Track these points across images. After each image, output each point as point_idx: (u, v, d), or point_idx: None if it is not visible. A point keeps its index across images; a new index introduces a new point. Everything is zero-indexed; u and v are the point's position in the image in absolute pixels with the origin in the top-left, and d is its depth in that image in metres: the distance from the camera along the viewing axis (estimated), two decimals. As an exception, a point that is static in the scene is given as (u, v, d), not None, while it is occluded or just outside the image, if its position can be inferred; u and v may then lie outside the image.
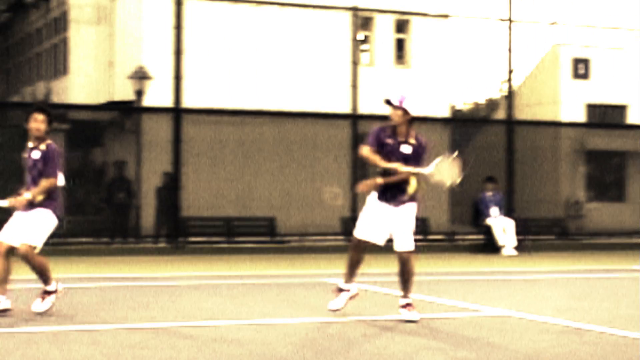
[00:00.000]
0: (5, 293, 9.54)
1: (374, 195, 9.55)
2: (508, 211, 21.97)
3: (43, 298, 9.74)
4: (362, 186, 9.63)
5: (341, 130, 21.68)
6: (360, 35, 27.46)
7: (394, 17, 29.41)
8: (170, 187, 20.63)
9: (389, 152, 9.45)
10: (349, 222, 21.36)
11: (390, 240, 9.67)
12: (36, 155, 9.66)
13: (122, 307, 10.53)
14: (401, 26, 30.26)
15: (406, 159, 9.42)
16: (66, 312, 9.72)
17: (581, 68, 32.23)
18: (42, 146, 9.69)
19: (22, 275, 10.51)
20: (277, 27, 27.60)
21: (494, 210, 21.50)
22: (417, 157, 9.45)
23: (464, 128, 27.68)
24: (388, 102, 9.48)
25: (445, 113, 29.81)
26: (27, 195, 9.53)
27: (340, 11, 23.49)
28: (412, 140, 9.48)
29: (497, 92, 50.40)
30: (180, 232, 20.50)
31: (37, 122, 9.71)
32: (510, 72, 23.31)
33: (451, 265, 17.55)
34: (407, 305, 9.56)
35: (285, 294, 12.32)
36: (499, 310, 10.44)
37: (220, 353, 7.63)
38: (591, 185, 28.93)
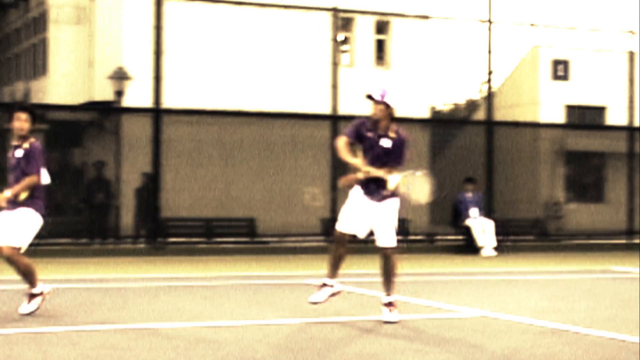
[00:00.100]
0: None
1: (356, 189, 9.56)
2: (487, 212, 22.02)
3: (29, 300, 9.70)
4: (343, 181, 9.63)
5: (321, 130, 21.68)
6: (341, 36, 27.47)
7: (374, 18, 29.47)
8: (150, 188, 20.58)
9: (369, 145, 9.47)
10: (329, 223, 21.37)
11: (372, 235, 9.68)
12: (19, 154, 9.63)
13: (101, 308, 10.49)
14: (381, 27, 30.31)
15: (386, 153, 9.43)
16: (45, 314, 9.68)
17: (560, 69, 32.34)
18: (26, 145, 9.66)
19: (7, 276, 10.47)
20: (257, 28, 27.59)
21: (474, 211, 21.55)
22: (397, 151, 9.45)
23: (444, 129, 27.69)
24: (370, 97, 9.49)
25: (425, 114, 29.88)
26: (7, 193, 9.48)
27: (321, 12, 23.47)
28: (392, 134, 9.48)
29: (477, 93, 50.58)
30: (160, 232, 20.45)
31: (21, 121, 9.68)
32: (490, 73, 23.37)
33: (431, 266, 17.58)
34: (389, 304, 9.56)
35: (265, 295, 12.31)
36: (478, 311, 10.46)
37: (199, 354, 7.61)
38: (570, 186, 29.03)
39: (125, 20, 27.47)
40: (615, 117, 30.31)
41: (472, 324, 9.53)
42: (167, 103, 20.55)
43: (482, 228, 21.21)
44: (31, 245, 9.80)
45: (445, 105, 53.04)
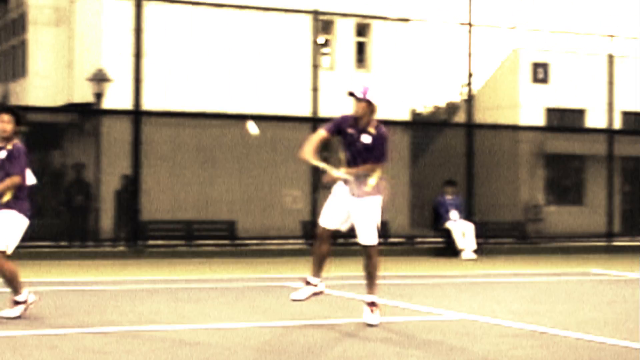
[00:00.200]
0: None
1: (339, 184, 9.58)
2: (467, 215, 22.05)
3: (12, 307, 9.63)
4: (327, 177, 9.63)
5: (302, 133, 21.62)
6: (321, 39, 27.48)
7: (354, 21, 29.50)
8: (130, 190, 20.52)
9: (349, 141, 9.51)
10: (310, 226, 21.37)
11: (352, 236, 9.70)
12: (2, 155, 9.59)
13: (81, 311, 10.45)
14: (362, 30, 30.35)
15: (367, 149, 9.47)
16: (24, 317, 9.63)
17: (540, 72, 32.44)
18: (9, 146, 9.63)
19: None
20: (237, 30, 27.57)
21: (454, 214, 21.58)
22: (377, 147, 9.48)
23: (424, 131, 27.73)
24: (351, 94, 9.51)
25: (406, 116, 29.92)
26: None
27: (301, 14, 23.46)
28: (373, 130, 9.50)
29: (457, 95, 50.66)
30: (140, 235, 20.39)
31: (3, 123, 9.65)
32: (470, 75, 23.41)
33: (411, 269, 17.59)
34: (372, 304, 9.58)
35: (245, 297, 12.30)
36: (457, 314, 10.47)
37: (179, 357, 7.59)
38: (550, 189, 29.12)
39: (105, 22, 27.39)
40: (595, 119, 30.44)
41: (451, 327, 9.54)
42: (147, 105, 20.50)
43: (462, 231, 21.25)
44: (10, 248, 9.74)
45: (425, 108, 53.10)
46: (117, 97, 23.46)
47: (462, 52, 23.49)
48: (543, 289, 14.04)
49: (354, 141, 9.50)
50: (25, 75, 31.47)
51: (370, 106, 9.48)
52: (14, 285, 9.59)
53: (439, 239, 21.99)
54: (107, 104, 24.91)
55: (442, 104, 53.65)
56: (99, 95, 25.30)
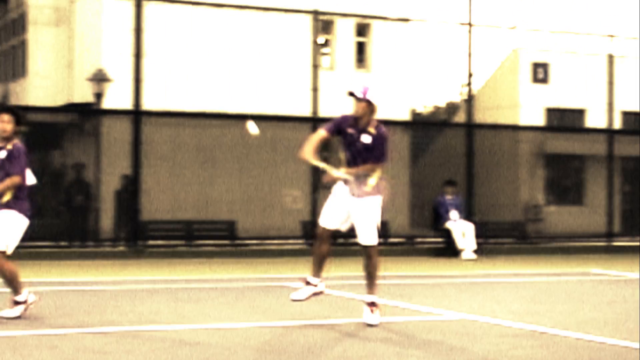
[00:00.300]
0: None
1: (339, 184, 9.58)
2: (468, 215, 22.05)
3: (13, 307, 9.63)
4: (327, 177, 9.63)
5: (302, 133, 21.61)
6: (321, 39, 27.48)
7: (354, 21, 29.50)
8: (130, 190, 20.52)
9: (349, 141, 9.52)
10: (310, 226, 21.36)
11: (352, 236, 9.71)
12: (2, 155, 9.59)
13: (81, 311, 10.45)
14: (362, 30, 30.35)
15: (367, 149, 9.47)
16: (23, 317, 9.63)
17: (540, 72, 32.44)
18: (9, 146, 9.63)
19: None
20: (237, 30, 27.57)
21: (454, 214, 21.58)
22: (377, 147, 9.48)
23: (424, 131, 27.72)
24: (351, 94, 9.51)
25: (406, 116, 29.92)
26: None
27: (301, 14, 23.46)
28: (372, 130, 9.50)
29: (457, 95, 50.65)
30: (140, 235, 20.39)
31: (4, 123, 9.65)
32: (470, 75, 23.41)
33: (411, 269, 17.59)
34: (372, 304, 9.59)
35: (245, 297, 12.30)
36: (457, 314, 10.47)
37: (179, 357, 7.59)
38: (550, 189, 29.11)
39: (105, 22, 27.39)
40: (595, 119, 30.44)
41: (451, 327, 9.54)
42: (147, 105, 20.50)
43: (462, 231, 21.24)
44: (10, 248, 9.74)
45: (425, 108, 53.10)
46: (117, 97, 23.45)
47: (462, 52, 23.49)
48: (543, 289, 14.04)
49: (354, 141, 9.51)
50: (25, 75, 31.47)
51: (370, 106, 9.49)
52: (14, 285, 9.58)
53: (439, 239, 21.99)
54: (107, 104, 24.91)
55: (442, 104, 53.65)
56: (99, 95, 25.30)
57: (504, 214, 24.59)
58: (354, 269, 14.42)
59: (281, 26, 27.06)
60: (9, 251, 9.53)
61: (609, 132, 25.00)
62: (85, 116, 24.91)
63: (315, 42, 22.61)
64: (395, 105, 27.73)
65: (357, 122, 9.52)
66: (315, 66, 22.17)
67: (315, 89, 21.90)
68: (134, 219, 20.25)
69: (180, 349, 8.00)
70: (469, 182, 22.76)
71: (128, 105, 20.53)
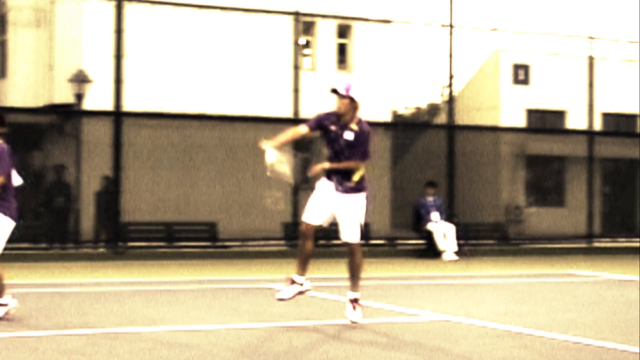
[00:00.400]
0: None
1: (323, 180, 9.57)
2: (449, 216, 22.07)
3: None
4: (312, 170, 9.61)
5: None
6: (302, 40, 27.46)
7: (336, 22, 29.47)
8: (110, 192, 20.46)
9: (332, 138, 9.51)
10: (291, 227, 21.35)
11: (334, 237, 9.72)
12: None
13: (61, 313, 10.41)
14: (343, 31, 30.33)
15: (350, 146, 9.46)
16: (4, 319, 9.58)
17: (521, 74, 32.51)
18: None
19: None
20: (219, 31, 27.51)
21: (435, 215, 21.60)
22: (360, 144, 9.48)
23: (406, 132, 27.73)
24: (334, 91, 9.50)
25: (387, 117, 29.92)
26: None
27: (282, 16, 23.44)
28: (355, 127, 9.49)
29: (439, 97, 50.67)
30: (120, 237, 20.33)
31: None
32: (452, 77, 23.44)
33: (392, 270, 17.60)
34: (355, 300, 9.59)
35: (226, 299, 12.28)
36: (439, 315, 10.48)
37: (159, 358, 7.57)
38: (531, 190, 29.18)
39: (85, 23, 27.27)
40: (575, 121, 30.52)
41: (433, 328, 9.55)
42: (127, 106, 20.44)
43: (443, 232, 21.26)
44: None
45: (407, 109, 53.11)
46: (98, 98, 23.35)
47: (443, 53, 23.52)
48: (524, 290, 14.07)
49: (336, 138, 9.49)
50: (5, 76, 31.31)
51: (353, 103, 9.47)
52: None
53: (420, 241, 22.00)
54: (87, 105, 24.80)
55: (424, 106, 53.68)
56: (79, 96, 25.19)
57: (485, 216, 24.64)
58: (335, 271, 14.42)
59: (262, 27, 27.01)
60: None
61: (589, 134, 25.08)
62: (65, 117, 24.81)
63: (296, 43, 22.60)
64: (376, 107, 27.71)
65: (339, 119, 9.51)
66: (297, 67, 22.17)
67: (296, 90, 21.89)
68: (115, 221, 20.19)
69: (160, 350, 7.97)
70: (450, 184, 22.79)
71: (109, 106, 20.46)
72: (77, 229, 21.25)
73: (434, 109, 49.40)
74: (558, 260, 20.69)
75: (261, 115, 22.93)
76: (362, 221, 9.61)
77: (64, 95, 27.14)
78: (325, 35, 29.86)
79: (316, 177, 9.77)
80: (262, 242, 21.77)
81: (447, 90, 24.25)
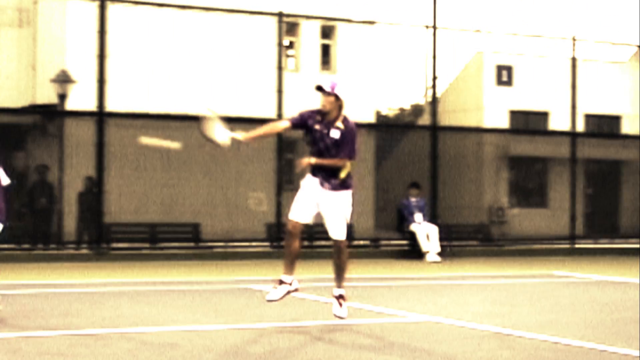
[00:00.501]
0: None
1: (308, 177, 9.54)
2: (432, 217, 22.10)
3: None
4: (299, 163, 9.57)
5: (266, 135, 21.63)
6: (286, 41, 27.45)
7: (319, 23, 29.48)
8: (93, 192, 20.41)
9: (318, 137, 9.47)
10: (274, 228, 21.35)
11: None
12: None
13: (44, 314, 10.38)
14: (327, 32, 30.34)
15: (336, 144, 9.44)
16: (-15, 320, 9.56)
17: (504, 75, 32.59)
18: None
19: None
20: (202, 32, 27.48)
21: (418, 216, 21.62)
22: (347, 142, 9.45)
23: (389, 133, 27.77)
24: (319, 88, 9.47)
25: (371, 118, 29.94)
26: None
27: (266, 16, 23.42)
28: (341, 125, 9.48)
29: (422, 98, 50.70)
30: (103, 238, 20.29)
31: None
32: (435, 78, 23.47)
33: (375, 271, 17.61)
34: (340, 297, 9.60)
35: (209, 300, 12.26)
36: (422, 316, 10.49)
37: (142, 359, 7.57)
38: (514, 191, 29.25)
39: (68, 24, 27.20)
40: (558, 122, 30.62)
41: (416, 329, 9.56)
42: (110, 106, 20.40)
43: (426, 233, 21.28)
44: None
45: (390, 110, 53.15)
46: (81, 99, 23.29)
47: (427, 54, 23.55)
48: (507, 291, 14.10)
49: (322, 137, 9.45)
50: (-12, 77, 31.20)
51: (338, 100, 9.46)
52: None
53: (404, 242, 22.02)
54: (70, 105, 24.74)
55: (407, 106, 53.73)
56: (62, 97, 25.11)
57: (468, 217, 24.68)
58: (319, 272, 14.43)
59: (246, 28, 27.00)
60: None
61: (572, 135, 25.15)
62: (48, 117, 24.74)
63: (280, 44, 22.59)
64: (360, 107, 27.72)
65: (324, 118, 9.49)
66: (280, 68, 22.16)
67: (280, 91, 21.89)
68: (98, 221, 20.14)
69: (143, 351, 7.96)
70: (434, 185, 22.82)
71: (92, 106, 20.42)
72: (60, 229, 21.19)
73: (417, 110, 49.44)
74: (541, 261, 20.74)
75: (244, 116, 22.91)
76: (349, 218, 9.60)
77: (46, 95, 27.06)
78: (309, 36, 29.86)
79: (300, 176, 9.76)
80: (245, 243, 21.75)
81: (431, 91, 24.28)
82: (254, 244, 21.80)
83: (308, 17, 27.20)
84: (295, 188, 9.76)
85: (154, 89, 26.54)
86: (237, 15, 25.02)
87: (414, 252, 21.31)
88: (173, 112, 22.75)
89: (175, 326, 9.51)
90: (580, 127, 29.29)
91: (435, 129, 23.26)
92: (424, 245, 21.19)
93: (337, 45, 30.38)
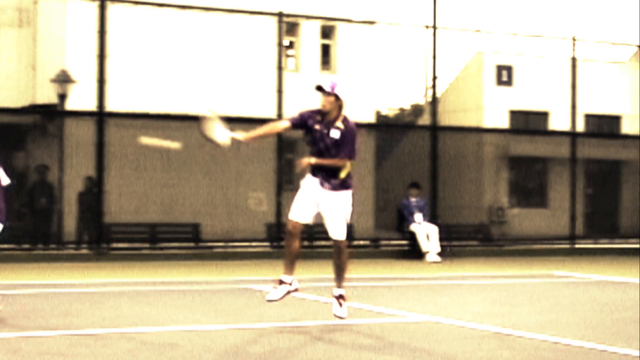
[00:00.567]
0: None
1: (308, 177, 9.53)
2: (432, 217, 22.10)
3: None
4: (299, 163, 9.56)
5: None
6: (286, 41, 27.45)
7: (319, 23, 29.47)
8: (93, 192, 20.41)
9: (318, 137, 9.45)
10: (274, 228, 21.35)
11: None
12: None
13: (44, 314, 10.38)
14: (327, 32, 30.34)
15: (336, 144, 9.42)
16: (-15, 320, 9.56)
17: (504, 75, 32.59)
18: None
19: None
20: (202, 32, 27.48)
21: (418, 216, 21.61)
22: (347, 142, 9.44)
23: (389, 133, 27.77)
24: (319, 88, 9.46)
25: (371, 118, 29.94)
26: None
27: (266, 16, 23.42)
28: (341, 125, 9.47)
29: (422, 98, 50.69)
30: (103, 238, 20.28)
31: None
32: (435, 78, 23.47)
33: (375, 271, 17.61)
34: (340, 297, 9.60)
35: (209, 300, 12.26)
36: (422, 316, 10.49)
37: (142, 359, 7.57)
38: (514, 191, 29.25)
39: (68, 24, 27.21)
40: (558, 122, 30.63)
41: (416, 329, 9.56)
42: (110, 106, 20.40)
43: (426, 233, 21.28)
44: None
45: (390, 110, 53.14)
46: (81, 99, 23.29)
47: (427, 54, 23.55)
48: (507, 291, 14.10)
49: (322, 137, 9.44)
50: (-12, 77, 31.20)
51: (338, 100, 9.44)
52: None
53: (404, 242, 22.02)
54: (70, 105, 24.74)
55: (407, 106, 53.73)
56: (62, 97, 25.11)
57: (468, 217, 24.68)
58: (319, 272, 14.43)
59: (246, 28, 27.00)
60: None
61: (572, 135, 25.15)
62: (48, 117, 24.74)
63: (280, 44, 22.59)
64: (360, 107, 27.73)
65: (324, 118, 9.47)
66: (280, 68, 22.16)
67: (280, 91, 21.89)
68: (98, 222, 20.14)
69: (144, 351, 7.96)
70: (434, 185, 22.81)
71: (92, 106, 20.42)
72: (60, 230, 21.19)
73: (417, 110, 49.43)
74: (541, 262, 20.74)
75: (244, 116, 22.91)
76: (349, 218, 9.60)
77: (46, 95, 27.06)
78: (309, 36, 29.86)
79: (300, 176, 9.75)
80: (245, 243, 21.75)
81: (431, 91, 24.28)
82: (254, 244, 21.80)
83: (308, 17, 27.20)
84: (295, 188, 9.76)
85: (154, 89, 26.54)
86: (237, 15, 25.02)
87: (414, 252, 21.31)
88: (173, 112, 22.75)
89: (175, 326, 9.51)
90: (580, 127, 29.28)
91: (435, 129, 23.25)
92: (424, 245, 21.19)
93: (337, 45, 30.38)
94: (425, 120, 28.95)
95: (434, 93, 23.98)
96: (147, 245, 21.24)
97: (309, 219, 9.52)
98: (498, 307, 11.70)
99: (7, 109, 25.53)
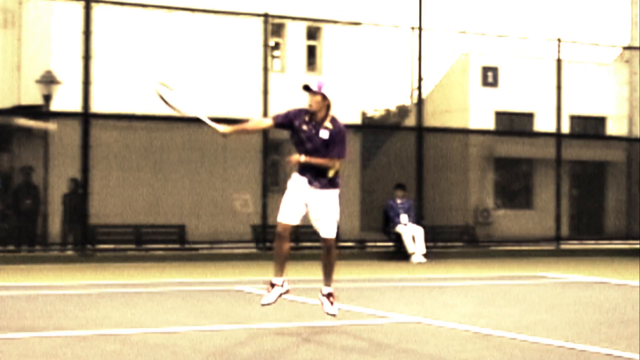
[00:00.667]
0: None
1: (294, 177, 9.50)
2: (417, 218, 22.12)
3: None
4: (288, 160, 9.52)
5: (252, 136, 21.64)
6: (272, 42, 27.45)
7: (305, 24, 29.49)
8: (78, 194, 20.36)
9: (306, 138, 9.40)
10: (260, 230, 21.34)
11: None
12: None
13: (29, 315, 10.34)
14: (312, 33, 30.35)
15: (325, 145, 9.38)
16: (-30, 322, 9.52)
17: (490, 76, 32.66)
18: None
19: None
20: (187, 33, 27.47)
21: (404, 218, 21.63)
22: (336, 142, 9.40)
23: (375, 135, 27.83)
24: (307, 87, 9.42)
25: (356, 119, 29.97)
26: None
27: (252, 17, 23.43)
28: (329, 125, 9.44)
29: (408, 99, 50.77)
30: (89, 239, 20.24)
31: None
32: (421, 79, 23.50)
33: (361, 273, 17.62)
34: (329, 295, 9.59)
35: (195, 301, 12.24)
36: (407, 317, 10.50)
37: (128, 362, 7.55)
38: (500, 193, 29.31)
39: (54, 24, 27.16)
40: (544, 123, 30.71)
41: (401, 330, 9.56)
42: (96, 108, 20.36)
43: (412, 234, 21.30)
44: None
45: (376, 111, 53.20)
46: (66, 100, 23.25)
47: (412, 56, 23.60)
48: (492, 292, 14.12)
49: (311, 137, 9.39)
50: (-28, 78, 31.10)
51: (325, 100, 9.40)
52: None
53: (389, 243, 22.04)
54: (55, 106, 24.69)
55: (393, 108, 53.78)
56: (47, 98, 25.05)
57: (454, 218, 24.72)
58: (305, 273, 14.42)
59: (232, 29, 26.99)
60: None
61: (558, 136, 25.22)
62: (33, 118, 24.67)
63: (265, 45, 22.59)
64: (346, 109, 27.74)
65: (311, 118, 9.44)
66: (266, 69, 22.16)
67: (265, 92, 21.89)
68: (83, 223, 20.09)
69: (128, 353, 7.93)
70: (419, 186, 22.84)
71: (77, 107, 20.38)
72: (45, 231, 21.14)
73: (403, 111, 49.50)
74: (526, 263, 20.78)
75: (230, 117, 22.89)
76: (338, 217, 9.58)
77: (31, 96, 26.99)
78: (294, 37, 29.87)
79: (287, 177, 9.73)
80: (231, 245, 21.74)
81: (416, 93, 24.31)
82: (239, 245, 21.78)
83: (294, 18, 27.22)
84: (281, 189, 9.73)
85: (139, 90, 26.50)
86: (223, 17, 25.01)
87: (399, 254, 21.33)
88: (158, 113, 22.71)
89: (161, 328, 9.49)
90: (566, 128, 29.36)
91: (420, 130, 23.28)
92: (409, 246, 21.20)
93: (323, 46, 30.40)
94: (410, 121, 29.00)
95: (420, 94, 24.01)
96: (132, 246, 21.21)
97: (297, 221, 9.50)
98: (484, 308, 11.71)
99: (-9, 110, 25.46)
